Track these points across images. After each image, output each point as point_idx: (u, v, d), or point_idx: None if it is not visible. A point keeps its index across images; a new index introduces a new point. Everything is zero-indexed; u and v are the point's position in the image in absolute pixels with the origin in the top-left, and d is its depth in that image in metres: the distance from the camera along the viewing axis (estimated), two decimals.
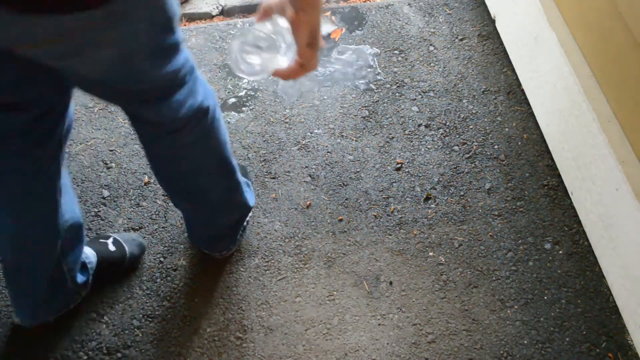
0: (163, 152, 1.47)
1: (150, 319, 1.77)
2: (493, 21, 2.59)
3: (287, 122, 2.26)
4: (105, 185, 2.07)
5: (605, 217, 1.77)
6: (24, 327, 1.67)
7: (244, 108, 2.31)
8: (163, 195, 2.05)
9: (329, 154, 2.16)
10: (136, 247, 1.83)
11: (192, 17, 2.72)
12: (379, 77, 2.40)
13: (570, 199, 2.00)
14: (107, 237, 1.80)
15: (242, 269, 1.87)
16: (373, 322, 1.76)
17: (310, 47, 1.05)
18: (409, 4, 2.69)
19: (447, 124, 2.24)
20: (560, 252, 1.89)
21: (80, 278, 1.65)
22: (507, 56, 2.44)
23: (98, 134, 2.23)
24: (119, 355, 1.71)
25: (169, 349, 1.72)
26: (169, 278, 1.86)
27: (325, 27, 2.58)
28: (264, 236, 1.94)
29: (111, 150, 2.18)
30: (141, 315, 1.78)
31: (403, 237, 1.93)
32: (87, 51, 1.01)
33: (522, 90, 2.32)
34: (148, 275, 1.86)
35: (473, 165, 2.11)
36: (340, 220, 1.98)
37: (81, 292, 1.69)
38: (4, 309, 1.79)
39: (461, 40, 2.53)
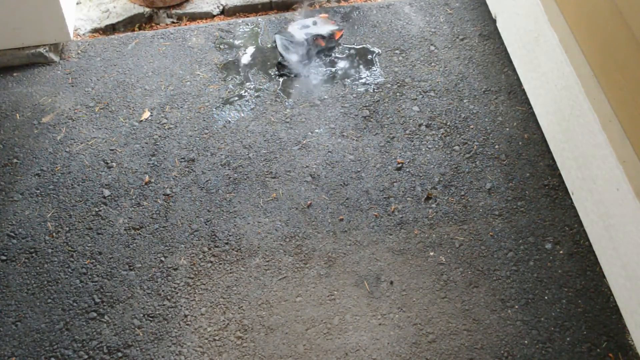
0: None
1: (150, 318, 1.77)
2: (494, 21, 2.59)
3: (288, 122, 2.26)
4: (105, 185, 2.08)
5: (606, 217, 1.77)
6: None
7: (244, 108, 2.31)
8: (164, 194, 2.05)
9: (329, 153, 2.16)
10: None
11: (193, 17, 2.72)
12: (379, 77, 2.40)
13: (571, 198, 2.00)
14: None
15: (242, 269, 1.87)
16: (374, 321, 1.76)
17: None
18: (409, 4, 2.69)
19: (448, 123, 2.24)
20: (561, 252, 1.89)
21: None
22: (508, 56, 2.44)
23: (99, 133, 2.23)
24: (120, 354, 1.71)
25: (170, 348, 1.72)
26: (169, 277, 1.86)
27: (327, 28, 2.58)
28: (264, 236, 1.94)
29: (112, 150, 2.18)
30: (142, 315, 1.78)
31: (404, 236, 1.93)
32: None
33: (523, 90, 2.32)
34: (148, 274, 1.86)
35: (474, 165, 2.11)
36: (341, 219, 1.98)
37: None
38: (4, 309, 1.79)
39: (462, 40, 2.53)
